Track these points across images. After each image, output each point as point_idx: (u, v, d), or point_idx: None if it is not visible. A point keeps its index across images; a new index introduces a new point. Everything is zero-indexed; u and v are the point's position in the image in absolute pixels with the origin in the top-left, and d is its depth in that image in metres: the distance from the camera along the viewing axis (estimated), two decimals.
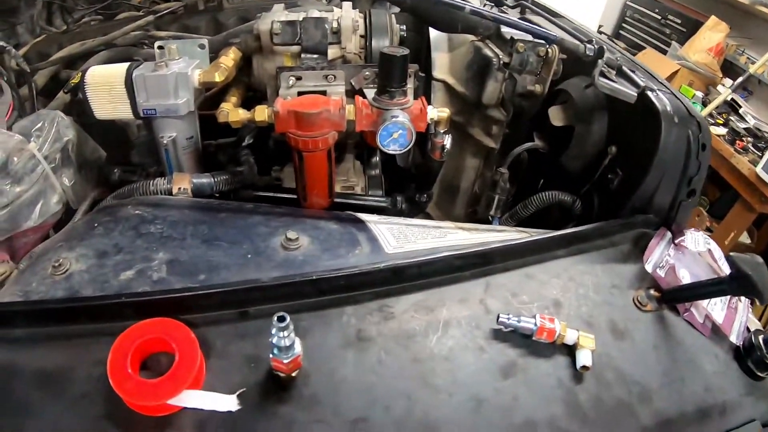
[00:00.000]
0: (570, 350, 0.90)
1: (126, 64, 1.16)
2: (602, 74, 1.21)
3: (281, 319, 0.67)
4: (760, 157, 2.74)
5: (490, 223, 1.39)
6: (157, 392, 0.65)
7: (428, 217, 1.63)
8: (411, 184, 1.44)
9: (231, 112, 1.16)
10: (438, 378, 0.81)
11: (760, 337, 1.06)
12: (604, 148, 1.28)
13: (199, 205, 1.13)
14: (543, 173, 1.49)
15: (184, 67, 1.17)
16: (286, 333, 0.68)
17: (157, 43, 1.33)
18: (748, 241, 3.09)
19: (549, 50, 1.36)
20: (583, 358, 0.87)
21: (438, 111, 1.18)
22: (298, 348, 0.71)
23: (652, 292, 1.06)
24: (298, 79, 1.21)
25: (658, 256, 1.12)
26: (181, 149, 1.27)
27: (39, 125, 1.17)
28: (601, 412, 0.85)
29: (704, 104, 3.01)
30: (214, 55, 1.33)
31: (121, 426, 0.67)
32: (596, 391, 0.87)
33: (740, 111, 3.12)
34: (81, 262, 0.92)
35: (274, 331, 0.68)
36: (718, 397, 0.97)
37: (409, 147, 1.11)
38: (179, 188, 1.19)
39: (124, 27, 1.61)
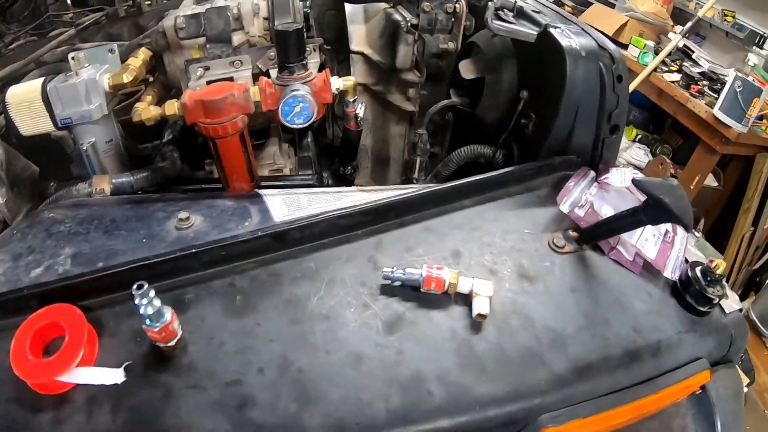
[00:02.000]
0: (467, 300, 0.79)
1: (42, 79, 1.13)
2: (498, 17, 1.10)
3: (139, 287, 0.67)
4: (717, 99, 2.62)
5: None
6: (49, 370, 0.67)
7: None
8: (335, 159, 1.36)
9: (144, 110, 1.12)
10: (316, 337, 0.76)
11: (698, 269, 0.93)
12: (517, 94, 1.16)
13: (108, 202, 1.08)
14: (468, 130, 1.38)
15: (93, 74, 1.14)
16: (146, 300, 0.68)
17: (69, 54, 1.28)
18: (714, 183, 2.97)
19: (456, 6, 1.27)
20: (479, 305, 0.76)
21: (343, 80, 1.11)
22: (167, 316, 0.70)
23: (570, 233, 0.94)
24: (206, 69, 1.16)
25: (577, 195, 1.00)
26: (102, 153, 1.22)
27: None
28: (502, 362, 0.75)
29: (656, 53, 2.89)
30: None
31: (27, 406, 0.70)
32: (497, 341, 0.76)
33: (693, 56, 3.00)
34: None
35: (136, 300, 0.67)
36: (651, 337, 0.85)
37: (312, 119, 1.04)
38: (97, 189, 1.14)
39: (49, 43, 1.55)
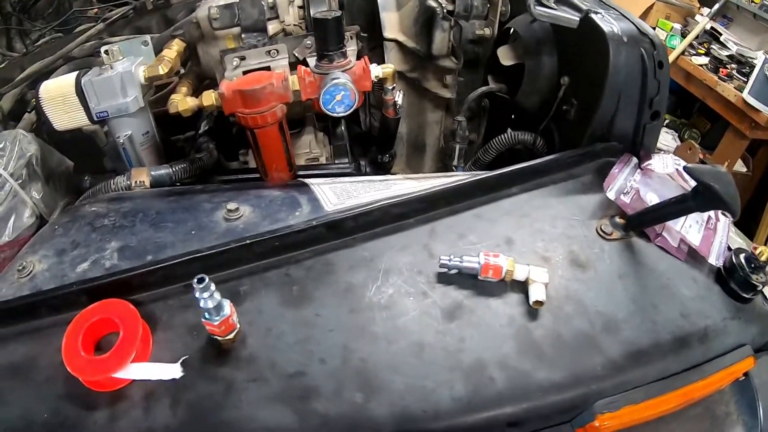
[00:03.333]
0: (523, 287, 0.81)
1: (75, 73, 1.14)
2: (540, 3, 1.10)
3: (200, 280, 0.66)
4: (746, 83, 2.58)
5: None
6: (104, 367, 0.67)
7: None
8: (373, 147, 1.38)
9: (180, 101, 1.13)
10: (377, 326, 0.76)
11: (742, 256, 0.94)
12: (557, 80, 1.17)
13: (150, 194, 1.11)
14: (506, 117, 1.39)
15: (128, 66, 1.15)
16: (207, 294, 0.67)
17: (102, 48, 1.31)
18: (744, 169, 2.94)
19: None
20: (535, 292, 0.78)
21: (382, 68, 1.11)
22: (227, 309, 0.70)
23: (617, 219, 0.96)
24: (242, 59, 1.17)
25: (622, 182, 1.01)
26: (139, 145, 1.25)
27: (1, 145, 1.16)
28: (559, 348, 0.76)
29: (683, 36, 2.85)
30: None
31: (80, 403, 0.70)
32: (553, 326, 0.78)
33: (721, 39, 2.95)
34: (43, 262, 0.91)
35: (197, 294, 0.67)
36: (699, 323, 0.87)
37: (354, 107, 1.05)
38: (137, 182, 1.16)
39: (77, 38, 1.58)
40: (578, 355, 0.77)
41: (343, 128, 1.46)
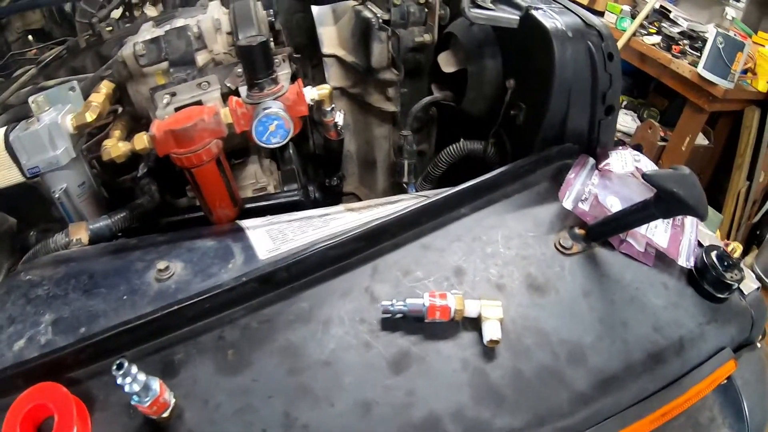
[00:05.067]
0: (477, 324, 0.71)
1: (3, 129, 1.05)
2: (476, 5, 1.00)
3: (119, 366, 0.62)
4: (699, 57, 2.52)
5: (406, 190, 1.20)
6: None
7: (356, 197, 1.46)
8: (320, 171, 1.28)
9: (112, 148, 1.04)
10: (318, 387, 0.68)
11: (713, 254, 0.86)
12: (503, 83, 1.07)
13: (84, 254, 1.00)
14: (455, 126, 1.29)
15: (55, 117, 1.06)
16: (129, 378, 0.62)
17: (29, 99, 1.19)
18: (705, 142, 2.87)
19: None
20: (490, 330, 0.69)
21: (318, 90, 1.02)
22: (155, 388, 0.63)
23: (577, 231, 0.86)
24: (173, 95, 1.08)
25: (579, 188, 0.92)
26: (77, 197, 1.14)
27: None
28: (520, 387, 0.68)
29: (633, 17, 2.79)
30: None
31: None
32: (512, 364, 0.69)
33: (671, 16, 2.88)
34: None
35: (118, 380, 0.62)
36: (673, 334, 0.78)
37: (289, 136, 0.95)
38: (75, 239, 1.06)
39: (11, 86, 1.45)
40: (542, 393, 0.68)
41: (291, 151, 1.36)
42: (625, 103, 3.14)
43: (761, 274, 2.68)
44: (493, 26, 1.07)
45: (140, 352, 0.73)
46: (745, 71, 2.62)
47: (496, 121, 1.10)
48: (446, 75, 1.21)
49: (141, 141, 0.99)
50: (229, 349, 0.72)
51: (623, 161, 1.01)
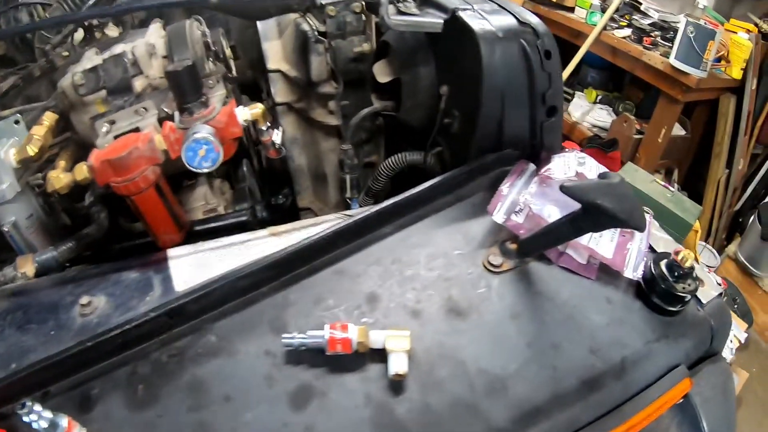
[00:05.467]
0: (384, 355, 0.64)
1: None
2: (399, 11, 0.92)
3: (22, 406, 0.60)
4: (671, 48, 2.41)
5: (350, 206, 1.12)
6: None
7: (311, 212, 1.39)
8: (267, 189, 1.23)
9: (55, 179, 1.00)
10: (218, 425, 0.63)
11: (663, 264, 0.76)
12: (438, 90, 0.99)
13: (23, 289, 0.97)
14: (402, 137, 1.21)
15: None
16: (34, 416, 0.60)
17: None
18: (682, 132, 2.77)
19: (363, 4, 1.09)
20: (394, 363, 0.61)
21: (250, 110, 0.96)
22: (63, 424, 0.61)
23: (509, 245, 0.78)
24: (112, 123, 1.05)
25: (513, 198, 0.83)
26: (26, 230, 1.11)
27: None
28: (429, 424, 0.61)
29: (603, 11, 2.69)
30: None
31: None
32: (421, 398, 0.62)
33: (642, 8, 2.78)
34: None
35: (24, 419, 0.60)
36: (613, 356, 0.70)
37: (220, 160, 0.91)
38: (20, 273, 1.02)
39: None
40: (452, 429, 0.61)
41: (245, 169, 1.29)
42: (600, 97, 3.04)
43: (745, 262, 2.57)
44: (427, 32, 0.98)
45: (62, 387, 0.70)
46: (718, 59, 2.52)
47: (433, 130, 1.01)
48: (387, 84, 1.12)
49: (81, 171, 0.96)
50: (140, 384, 0.69)
51: (566, 165, 0.92)
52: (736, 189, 2.70)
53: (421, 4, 0.96)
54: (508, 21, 0.93)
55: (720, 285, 0.88)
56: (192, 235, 1.08)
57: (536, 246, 0.74)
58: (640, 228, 0.67)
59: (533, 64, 0.90)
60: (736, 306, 2.50)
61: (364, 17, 1.15)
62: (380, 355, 0.64)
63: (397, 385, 0.62)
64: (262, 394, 0.64)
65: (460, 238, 0.79)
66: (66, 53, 1.59)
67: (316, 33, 1.14)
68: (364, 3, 1.11)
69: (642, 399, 0.69)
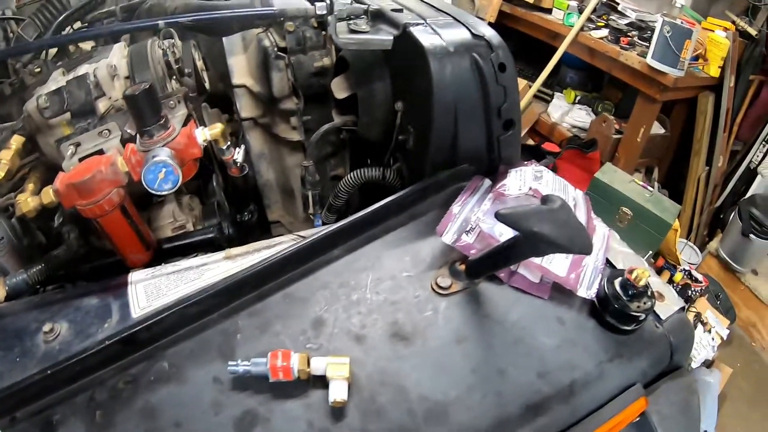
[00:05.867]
0: (326, 382, 0.62)
1: None
2: (350, 29, 0.90)
3: None
4: (648, 48, 2.40)
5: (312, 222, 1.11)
6: None
7: (282, 225, 1.37)
8: (233, 206, 1.21)
9: (23, 203, 1.00)
10: None
11: (616, 282, 0.75)
12: (393, 106, 0.97)
13: None
14: (366, 151, 1.19)
15: None
16: None
17: None
18: (662, 131, 2.75)
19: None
20: (334, 391, 0.59)
21: (209, 131, 0.95)
22: None
23: (458, 266, 0.76)
24: (77, 145, 1.04)
25: (465, 216, 0.81)
26: None
27: None
28: None
29: (581, 12, 2.67)
30: None
31: None
32: (361, 426, 0.61)
33: (619, 8, 2.77)
34: None
35: None
36: (562, 379, 0.68)
37: (179, 182, 0.90)
38: None
39: None
40: None
41: (215, 185, 1.27)
42: (579, 97, 3.02)
43: (727, 258, 2.57)
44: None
45: (27, 413, 0.71)
46: (696, 58, 2.50)
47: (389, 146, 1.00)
48: (347, 99, 1.10)
49: (47, 195, 0.96)
50: (98, 410, 0.69)
51: (521, 181, 0.91)
52: (717, 186, 2.69)
53: (374, 20, 0.94)
54: (461, 35, 0.91)
55: (681, 299, 0.86)
56: (160, 253, 1.08)
57: (484, 268, 0.72)
58: (585, 252, 0.65)
59: (487, 77, 0.89)
60: (718, 302, 2.48)
61: (323, 32, 1.13)
62: (322, 382, 0.62)
63: (337, 411, 0.61)
64: (209, 421, 0.64)
65: (409, 259, 0.77)
66: (38, 69, 1.58)
67: (275, 49, 1.12)
68: (316, 22, 1.09)
69: (595, 419, 0.68)
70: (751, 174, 2.70)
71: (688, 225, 2.69)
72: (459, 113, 0.88)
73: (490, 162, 0.94)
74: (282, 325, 0.69)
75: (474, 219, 0.81)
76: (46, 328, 0.83)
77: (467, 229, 0.80)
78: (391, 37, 0.88)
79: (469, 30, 0.93)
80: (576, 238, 0.62)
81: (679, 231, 2.24)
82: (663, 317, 0.80)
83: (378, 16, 0.95)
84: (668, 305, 0.82)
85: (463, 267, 0.75)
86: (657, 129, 2.67)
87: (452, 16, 0.98)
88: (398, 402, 0.62)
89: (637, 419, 0.74)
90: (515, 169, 0.94)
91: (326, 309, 0.70)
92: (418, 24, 0.91)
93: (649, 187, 2.27)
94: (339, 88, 1.05)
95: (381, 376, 0.63)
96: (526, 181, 0.91)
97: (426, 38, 0.88)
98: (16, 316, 0.91)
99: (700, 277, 2.26)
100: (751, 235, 2.41)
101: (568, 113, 2.94)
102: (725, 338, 2.29)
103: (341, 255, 0.77)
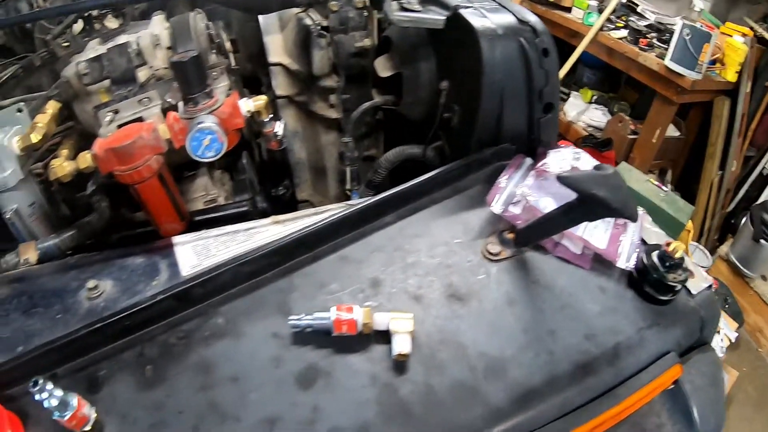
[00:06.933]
0: (388, 337, 0.67)
1: None
2: (402, 7, 0.95)
3: (34, 384, 0.63)
4: (667, 50, 2.46)
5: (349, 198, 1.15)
6: None
7: (311, 204, 1.41)
8: (267, 181, 1.25)
9: (58, 168, 1.02)
10: (226, 403, 0.66)
11: (654, 255, 0.80)
12: (438, 85, 1.02)
13: (28, 275, 0.99)
14: (403, 130, 1.24)
15: (1, 139, 1.05)
16: (46, 394, 0.63)
17: None
18: (677, 133, 2.82)
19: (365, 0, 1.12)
20: (398, 344, 0.64)
21: (253, 102, 0.99)
22: (74, 403, 0.64)
23: (506, 235, 0.81)
24: (116, 112, 1.06)
25: (510, 190, 0.86)
26: (28, 218, 1.13)
27: None
28: (431, 404, 0.63)
29: (600, 12, 2.74)
30: None
31: None
32: (423, 380, 0.65)
33: (638, 9, 2.83)
34: None
35: (36, 397, 0.62)
36: (607, 342, 0.73)
37: (224, 149, 0.93)
38: (23, 260, 1.04)
39: None
40: (454, 409, 0.64)
41: (244, 161, 1.31)
42: (595, 97, 3.08)
43: (736, 262, 2.63)
44: (428, 28, 1.02)
45: (68, 369, 0.72)
46: (713, 62, 2.57)
47: (433, 124, 1.04)
48: (386, 79, 1.15)
49: (85, 160, 0.98)
50: (148, 366, 0.71)
51: (561, 160, 0.96)
52: (729, 190, 2.76)
53: (423, 1, 1.00)
54: (508, 19, 0.96)
55: (710, 277, 0.92)
56: (193, 224, 1.09)
57: (533, 236, 0.78)
58: (633, 218, 0.70)
59: (531, 61, 0.94)
60: (727, 306, 2.54)
61: (365, 13, 1.18)
62: (384, 337, 0.66)
63: (400, 365, 0.65)
64: (269, 375, 0.67)
65: (459, 228, 0.82)
66: (66, 44, 1.62)
67: (318, 28, 1.17)
68: (360, 3, 1.14)
69: (634, 383, 0.72)
70: (764, 180, 2.77)
71: (699, 228, 2.75)
72: (505, 94, 0.93)
73: (529, 143, 0.99)
74: (339, 284, 0.74)
75: (519, 193, 0.86)
76: (91, 284, 0.86)
77: (513, 202, 0.85)
78: (444, 17, 0.93)
79: (515, 15, 0.98)
80: (628, 203, 0.67)
81: (692, 232, 2.30)
82: (694, 293, 0.86)
83: None
84: (698, 282, 0.87)
85: (511, 236, 0.80)
86: (672, 131, 2.73)
87: (497, 2, 1.03)
88: (458, 358, 0.66)
89: (671, 386, 0.79)
90: (554, 150, 0.99)
91: (383, 270, 0.75)
92: (467, 7, 0.96)
93: (664, 187, 2.33)
94: (383, 67, 1.10)
95: (440, 334, 0.68)
96: (566, 161, 0.96)
97: (477, 20, 0.93)
98: (53, 275, 0.94)
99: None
100: (762, 241, 2.48)
101: (584, 112, 3.00)
102: (733, 341, 2.35)
103: (392, 222, 0.82)
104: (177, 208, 1.04)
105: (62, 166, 1.00)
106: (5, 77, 1.59)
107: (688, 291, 0.86)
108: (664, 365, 0.77)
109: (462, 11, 0.95)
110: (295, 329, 0.68)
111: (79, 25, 1.69)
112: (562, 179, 0.66)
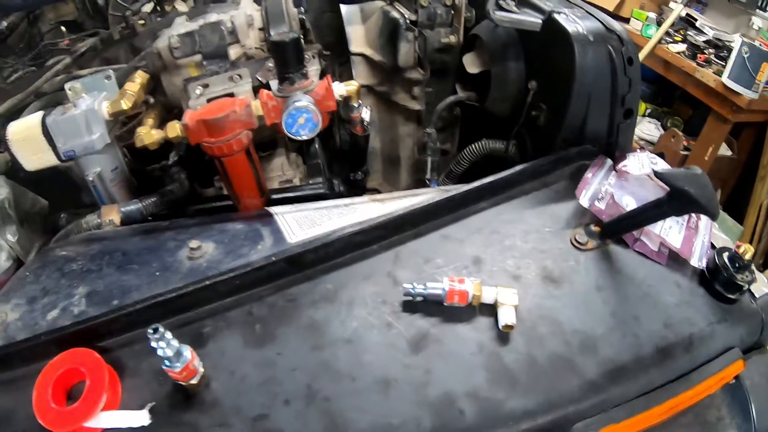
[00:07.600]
0: (492, 310, 0.75)
1: (41, 113, 1.09)
2: (500, 7, 1.04)
3: (154, 330, 0.64)
4: (724, 67, 2.51)
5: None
6: (74, 418, 0.65)
7: (379, 193, 1.50)
8: (346, 165, 1.33)
9: (146, 135, 1.08)
10: (340, 363, 0.71)
11: (725, 256, 0.88)
12: (525, 85, 1.11)
13: (118, 234, 1.05)
14: (480, 125, 1.33)
15: (92, 103, 1.10)
16: (163, 343, 0.65)
17: (66, 85, 1.25)
18: (729, 152, 2.86)
19: None
20: (505, 315, 0.72)
21: (346, 86, 1.06)
22: (187, 355, 0.67)
23: (592, 227, 0.89)
24: (205, 86, 1.13)
25: (596, 187, 0.95)
26: (109, 182, 1.20)
27: None
28: (533, 373, 0.71)
29: (659, 24, 2.78)
30: None
31: None
32: (526, 350, 0.72)
33: (697, 24, 2.87)
34: (15, 311, 0.86)
35: (152, 344, 0.64)
36: (683, 331, 0.81)
37: (318, 129, 0.99)
38: (107, 220, 1.11)
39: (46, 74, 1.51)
40: (554, 379, 0.71)
41: (317, 146, 1.40)
42: (649, 111, 3.13)
43: None
44: (517, 29, 1.10)
45: (170, 325, 0.74)
46: None
47: (517, 121, 1.13)
48: (470, 76, 1.24)
49: (174, 129, 1.02)
50: (257, 324, 0.75)
51: (640, 163, 1.04)
52: None
53: (519, 4, 1.08)
54: (597, 26, 1.04)
55: None
56: (270, 202, 1.15)
57: (619, 229, 0.86)
58: (715, 216, 0.78)
59: (617, 68, 1.01)
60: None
61: (452, 11, 1.27)
62: (488, 310, 0.74)
63: (505, 336, 0.73)
64: (381, 339, 0.72)
65: (548, 217, 0.90)
66: (142, 21, 1.73)
67: (407, 21, 1.26)
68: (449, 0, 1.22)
69: (704, 370, 0.80)
70: None
71: None
72: (591, 97, 1.01)
73: (608, 146, 1.07)
74: (443, 259, 0.82)
75: (604, 189, 0.95)
76: (193, 245, 0.89)
77: (598, 197, 0.93)
78: (540, 20, 1.02)
79: (603, 23, 1.07)
80: (712, 202, 0.75)
81: None
82: (756, 296, 0.93)
83: (525, 2, 1.08)
84: (760, 287, 0.95)
85: (596, 228, 0.89)
86: (724, 150, 2.77)
87: (585, 9, 1.11)
88: (555, 333, 0.74)
89: (733, 381, 0.87)
90: (632, 154, 1.07)
91: (483, 250, 0.83)
92: (561, 12, 1.05)
93: None
94: (472, 64, 1.19)
95: (539, 310, 0.76)
96: (644, 165, 1.04)
97: (571, 26, 1.01)
98: (144, 236, 0.99)
99: None
100: None
101: (636, 125, 3.04)
102: None
103: (487, 207, 0.91)
104: (259, 184, 1.09)
105: (150, 133, 1.05)
106: (84, 49, 1.71)
107: (752, 294, 0.93)
108: (729, 358, 0.84)
109: (556, 16, 1.03)
110: (407, 297, 0.75)
111: (148, 7, 1.80)
112: (659, 174, 0.74)
